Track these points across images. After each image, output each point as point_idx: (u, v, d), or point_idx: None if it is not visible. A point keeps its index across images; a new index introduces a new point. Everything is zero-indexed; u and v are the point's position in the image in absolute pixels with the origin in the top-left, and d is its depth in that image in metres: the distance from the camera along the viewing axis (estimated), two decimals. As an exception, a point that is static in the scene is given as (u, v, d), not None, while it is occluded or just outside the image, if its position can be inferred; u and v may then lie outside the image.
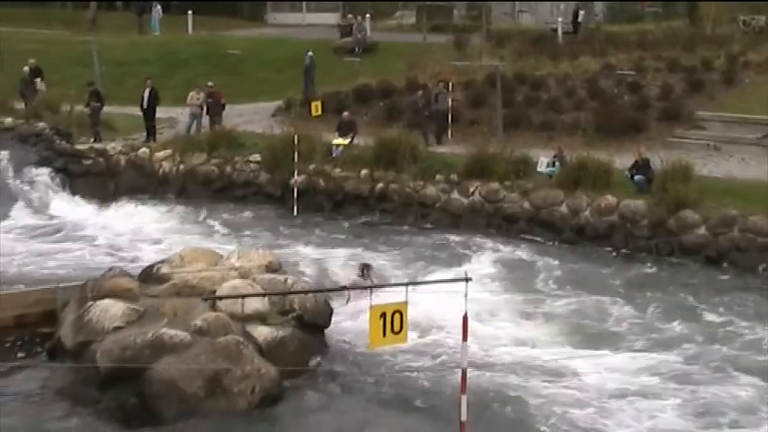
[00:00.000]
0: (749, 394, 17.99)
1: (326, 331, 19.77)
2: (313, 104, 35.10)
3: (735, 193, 28.07)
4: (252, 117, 39.96)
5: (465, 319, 11.70)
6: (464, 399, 11.72)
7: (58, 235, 28.58)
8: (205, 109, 37.18)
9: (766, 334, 20.92)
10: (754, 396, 17.90)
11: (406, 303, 11.17)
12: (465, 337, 11.74)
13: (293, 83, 42.71)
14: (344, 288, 15.80)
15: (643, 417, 17.09)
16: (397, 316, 11.11)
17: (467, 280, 11.93)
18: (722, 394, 17.95)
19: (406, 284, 11.54)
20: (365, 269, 17.55)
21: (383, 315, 11.05)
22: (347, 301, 20.64)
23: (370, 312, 11.08)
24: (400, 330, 11.16)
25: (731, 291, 24.47)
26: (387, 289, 14.33)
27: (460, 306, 11.68)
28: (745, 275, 25.61)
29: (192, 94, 37.52)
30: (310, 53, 43.43)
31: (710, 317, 22.43)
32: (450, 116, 36.51)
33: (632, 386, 18.37)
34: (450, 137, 35.81)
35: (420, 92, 37.79)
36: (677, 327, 21.72)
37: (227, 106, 37.99)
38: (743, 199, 27.48)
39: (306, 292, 19.63)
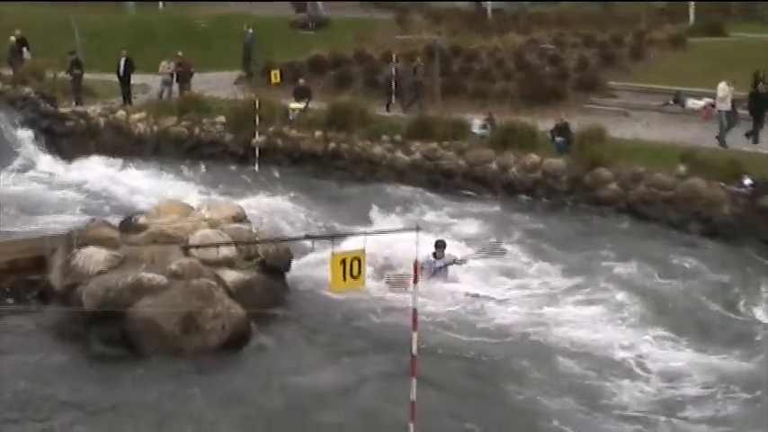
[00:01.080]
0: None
1: (288, 276, 19.54)
2: (272, 73, 34.88)
3: (641, 153, 28.21)
4: (217, 84, 39.84)
5: (416, 264, 11.53)
6: (415, 335, 11.55)
7: (44, 188, 28.02)
8: (175, 76, 36.97)
9: (654, 270, 21.53)
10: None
11: (363, 251, 10.97)
12: (416, 280, 11.56)
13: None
14: (308, 237, 15.49)
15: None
16: (355, 262, 10.90)
17: (417, 230, 11.79)
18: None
19: (364, 234, 11.33)
20: (440, 246, 17.14)
21: (343, 261, 10.85)
22: (311, 250, 20.42)
23: (332, 259, 10.85)
24: (359, 275, 10.97)
25: (634, 236, 24.87)
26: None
27: (412, 252, 11.52)
28: (650, 225, 25.78)
29: (163, 63, 37.27)
30: (250, 30, 43.21)
31: (610, 255, 22.80)
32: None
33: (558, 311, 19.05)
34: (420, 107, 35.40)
35: (397, 63, 37.27)
36: (578, 259, 22.49)
37: (195, 74, 37.94)
38: (648, 158, 27.65)
39: (272, 241, 19.50)
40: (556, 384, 15.60)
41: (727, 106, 29.78)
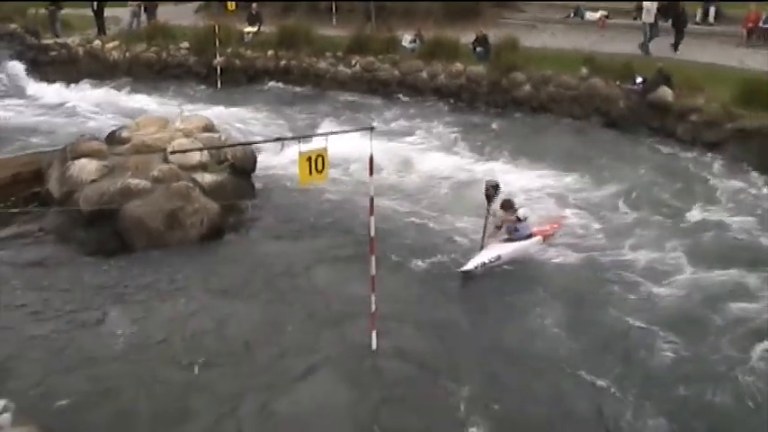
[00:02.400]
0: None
1: (254, 176, 19.28)
2: (228, 3, 33.96)
3: (549, 59, 28.09)
4: (180, 14, 38.55)
5: (371, 158, 11.32)
6: (372, 219, 11.43)
7: (36, 111, 27.33)
8: (143, 8, 35.79)
9: (564, 152, 22.11)
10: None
11: (326, 149, 10.72)
12: (371, 172, 11.38)
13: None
14: (278, 139, 15.17)
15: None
16: (319, 159, 10.67)
17: (371, 129, 11.58)
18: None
19: (325, 134, 11.04)
20: (493, 188, 15.07)
21: (309, 158, 10.62)
22: (281, 150, 20.35)
23: (299, 156, 10.58)
24: (322, 170, 10.75)
25: (547, 130, 24.92)
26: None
27: (367, 149, 11.32)
28: (559, 119, 25.90)
29: (131, -3, 36.19)
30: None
31: (526, 142, 23.31)
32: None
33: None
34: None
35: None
36: (506, 145, 22.96)
37: (159, 6, 36.78)
38: (555, 63, 27.55)
39: (242, 144, 19.25)
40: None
41: (650, 19, 29.18)
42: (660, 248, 15.75)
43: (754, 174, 20.15)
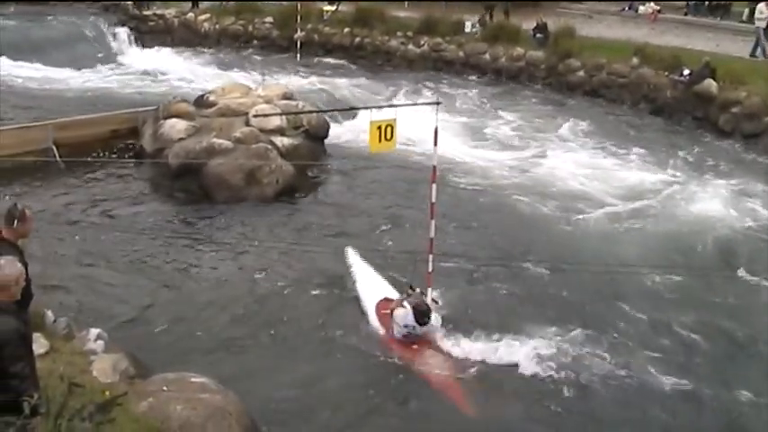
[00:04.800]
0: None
1: (327, 142, 19.44)
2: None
3: (603, 48, 27.60)
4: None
5: (435, 130, 11.26)
6: (434, 186, 11.40)
7: (134, 73, 27.76)
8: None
9: (612, 134, 22.07)
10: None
11: (395, 119, 10.72)
12: (435, 143, 11.34)
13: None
14: (352, 108, 15.11)
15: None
16: (389, 128, 10.67)
17: (437, 103, 11.54)
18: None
19: (395, 105, 11.05)
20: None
21: (379, 127, 10.62)
22: (353, 117, 20.39)
23: (370, 125, 10.60)
24: (391, 138, 10.76)
25: (600, 112, 24.58)
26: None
27: (432, 122, 11.28)
28: (609, 104, 25.50)
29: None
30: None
31: (579, 123, 22.91)
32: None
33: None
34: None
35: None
36: (561, 125, 22.75)
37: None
38: (609, 51, 27.11)
39: (318, 112, 19.38)
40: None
41: (763, 24, 26.73)
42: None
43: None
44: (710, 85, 23.38)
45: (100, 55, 29.71)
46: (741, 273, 13.69)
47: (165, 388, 7.94)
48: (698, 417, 9.95)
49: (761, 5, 26.82)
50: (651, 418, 9.85)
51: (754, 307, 12.63)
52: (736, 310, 12.45)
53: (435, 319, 11.13)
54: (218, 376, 8.55)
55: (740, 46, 27.51)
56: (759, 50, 26.29)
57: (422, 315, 10.84)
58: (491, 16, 31.49)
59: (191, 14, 34.29)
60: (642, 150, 20.48)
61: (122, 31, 32.05)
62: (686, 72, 24.24)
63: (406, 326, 10.94)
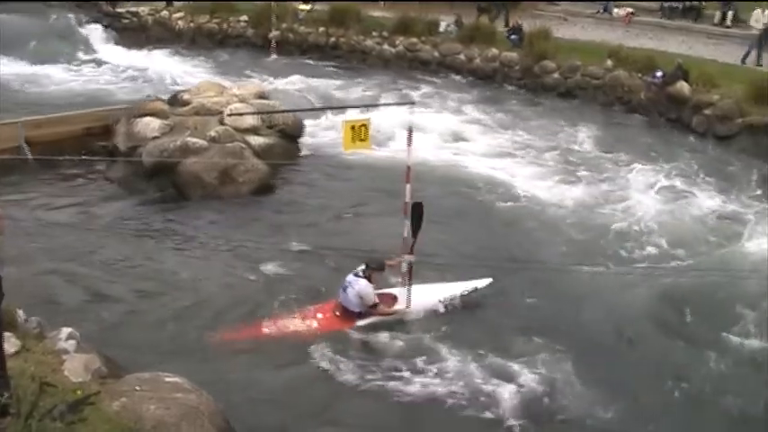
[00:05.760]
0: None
1: (301, 141, 19.42)
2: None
3: (578, 50, 27.74)
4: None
5: (410, 130, 11.30)
6: (408, 186, 11.43)
7: (108, 71, 27.58)
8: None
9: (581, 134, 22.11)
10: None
11: (369, 119, 10.75)
12: (410, 143, 11.37)
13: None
14: (326, 108, 15.10)
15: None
16: (363, 128, 10.69)
17: (411, 103, 11.58)
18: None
19: (369, 106, 11.08)
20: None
21: (353, 127, 10.64)
22: (327, 116, 20.32)
23: (344, 125, 10.63)
24: (365, 138, 10.77)
25: (575, 113, 24.56)
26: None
27: (406, 121, 11.33)
28: (584, 106, 25.53)
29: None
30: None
31: (552, 124, 23.19)
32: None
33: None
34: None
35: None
36: (533, 125, 22.91)
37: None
38: (584, 53, 27.22)
39: (292, 111, 19.40)
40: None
41: (757, 30, 26.92)
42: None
43: (756, 162, 20.09)
44: (683, 87, 23.61)
45: (73, 53, 29.50)
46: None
47: (138, 387, 7.89)
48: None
49: (756, 12, 27.06)
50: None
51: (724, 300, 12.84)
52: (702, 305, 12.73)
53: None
54: (193, 376, 8.52)
55: (712, 49, 27.80)
56: (750, 58, 26.30)
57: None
58: (489, 19, 31.62)
59: (165, 12, 34.15)
60: (616, 151, 20.65)
61: (96, 29, 31.88)
62: (659, 74, 24.45)
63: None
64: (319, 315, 11.76)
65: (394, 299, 12.13)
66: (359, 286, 11.59)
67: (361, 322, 11.67)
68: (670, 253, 14.65)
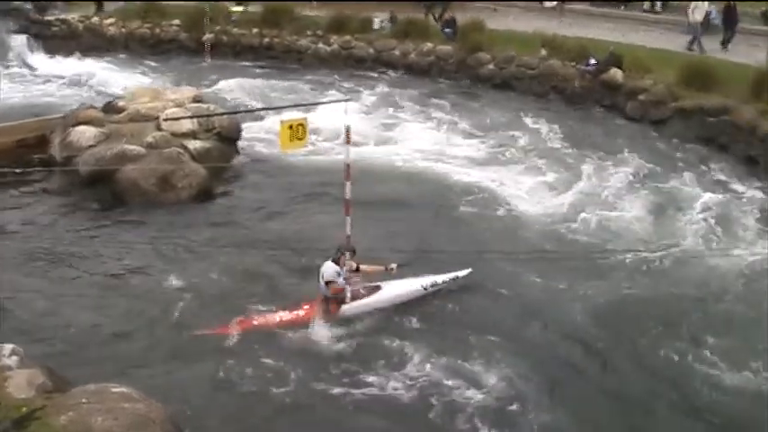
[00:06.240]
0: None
1: (239, 144, 19.37)
2: (218, -17, 33.66)
3: (512, 41, 27.97)
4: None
5: (347, 128, 11.35)
6: (348, 183, 11.47)
7: (39, 81, 27.04)
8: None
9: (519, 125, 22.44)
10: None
11: (306, 118, 10.77)
12: (348, 140, 11.41)
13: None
14: (262, 109, 15.02)
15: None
16: (300, 127, 10.69)
17: (347, 100, 11.62)
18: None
19: (305, 105, 11.10)
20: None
21: (290, 126, 10.64)
22: (263, 118, 20.28)
23: (281, 124, 10.61)
24: (303, 137, 10.79)
25: (511, 103, 24.88)
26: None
27: (343, 119, 11.37)
28: (519, 96, 25.77)
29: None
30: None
31: (490, 115, 23.42)
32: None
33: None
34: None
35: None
36: (469, 118, 23.01)
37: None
38: (517, 44, 27.45)
39: (229, 113, 19.37)
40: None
41: (699, 18, 27.27)
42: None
43: (688, 146, 20.60)
44: (617, 73, 24.00)
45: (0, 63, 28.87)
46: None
47: (85, 400, 7.83)
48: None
49: (696, 2, 27.42)
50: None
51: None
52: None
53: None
54: (141, 385, 8.48)
55: (643, 35, 28.26)
56: (696, 45, 26.70)
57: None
58: (434, 16, 31.66)
59: (95, 18, 33.47)
60: (553, 141, 21.01)
61: (23, 38, 31.08)
62: (593, 62, 24.80)
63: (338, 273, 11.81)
64: (286, 312, 11.89)
65: (378, 288, 12.41)
66: (323, 268, 11.88)
67: (344, 309, 11.97)
68: (605, 238, 14.94)
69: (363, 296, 12.20)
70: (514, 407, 10.03)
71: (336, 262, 11.86)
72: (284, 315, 11.78)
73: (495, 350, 11.16)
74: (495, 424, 9.73)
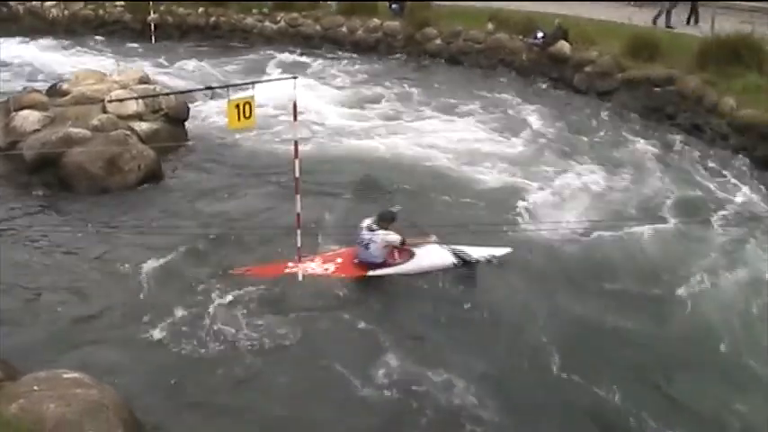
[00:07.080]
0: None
1: (187, 124, 19.15)
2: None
3: (459, 15, 28.27)
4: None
5: (294, 105, 11.29)
6: (297, 161, 11.43)
7: (-23, 65, 26.57)
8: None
9: (474, 94, 22.79)
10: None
11: (253, 97, 10.68)
12: (295, 118, 11.36)
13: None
14: (208, 88, 14.84)
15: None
16: (247, 106, 10.61)
17: (294, 78, 11.52)
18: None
19: (252, 83, 10.99)
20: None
21: (237, 105, 10.56)
22: (211, 97, 20.10)
23: (228, 104, 10.52)
24: (250, 116, 10.70)
25: (459, 78, 25.07)
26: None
27: (291, 96, 11.30)
28: (468, 70, 26.05)
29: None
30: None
31: (442, 89, 23.58)
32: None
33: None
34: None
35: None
36: (418, 93, 23.12)
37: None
38: (464, 18, 27.69)
39: (176, 93, 19.09)
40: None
41: None
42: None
43: (634, 116, 20.90)
44: (564, 46, 24.21)
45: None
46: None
47: (36, 387, 7.74)
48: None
49: None
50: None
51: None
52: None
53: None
54: (93, 370, 8.38)
55: (589, 7, 28.49)
56: (661, 19, 26.72)
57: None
58: None
59: (36, 2, 33.07)
60: (497, 111, 21.23)
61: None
62: (540, 35, 25.00)
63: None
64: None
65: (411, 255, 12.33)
66: (381, 237, 11.97)
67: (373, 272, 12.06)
68: (546, 212, 14.91)
69: (398, 263, 12.20)
70: (502, 407, 9.66)
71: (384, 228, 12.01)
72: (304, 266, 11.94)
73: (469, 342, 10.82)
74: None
